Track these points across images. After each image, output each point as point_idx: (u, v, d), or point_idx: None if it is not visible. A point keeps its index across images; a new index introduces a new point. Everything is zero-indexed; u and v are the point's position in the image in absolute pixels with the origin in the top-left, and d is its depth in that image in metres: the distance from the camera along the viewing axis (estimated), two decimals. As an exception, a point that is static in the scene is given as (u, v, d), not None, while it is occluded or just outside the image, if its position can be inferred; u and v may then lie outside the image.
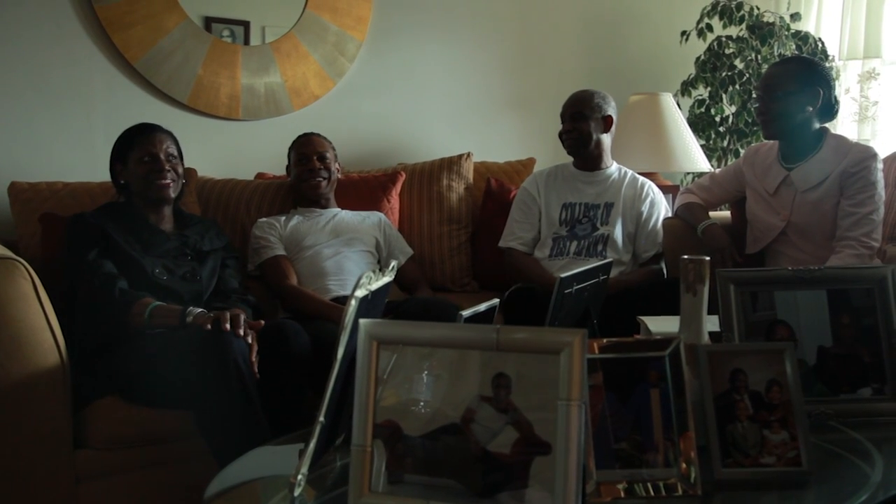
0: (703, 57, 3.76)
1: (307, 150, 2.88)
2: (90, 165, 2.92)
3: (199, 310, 2.16)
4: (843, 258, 2.46)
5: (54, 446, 2.03)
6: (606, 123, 2.92)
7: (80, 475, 2.08)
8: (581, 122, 2.88)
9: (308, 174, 2.86)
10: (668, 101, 3.55)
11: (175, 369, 2.01)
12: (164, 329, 2.15)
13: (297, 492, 1.26)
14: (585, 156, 2.94)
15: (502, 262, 2.99)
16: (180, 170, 2.45)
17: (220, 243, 2.53)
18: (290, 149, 2.95)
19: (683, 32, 3.81)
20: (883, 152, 2.68)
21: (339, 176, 2.99)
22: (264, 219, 2.87)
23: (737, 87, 3.67)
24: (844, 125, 3.63)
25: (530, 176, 3.10)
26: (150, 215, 2.41)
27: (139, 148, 2.39)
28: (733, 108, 3.72)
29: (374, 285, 1.36)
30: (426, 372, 1.17)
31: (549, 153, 3.53)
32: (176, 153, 2.45)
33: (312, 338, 2.38)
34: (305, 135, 2.95)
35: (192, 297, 2.30)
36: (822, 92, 2.53)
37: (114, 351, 2.15)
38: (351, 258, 2.78)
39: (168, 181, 2.39)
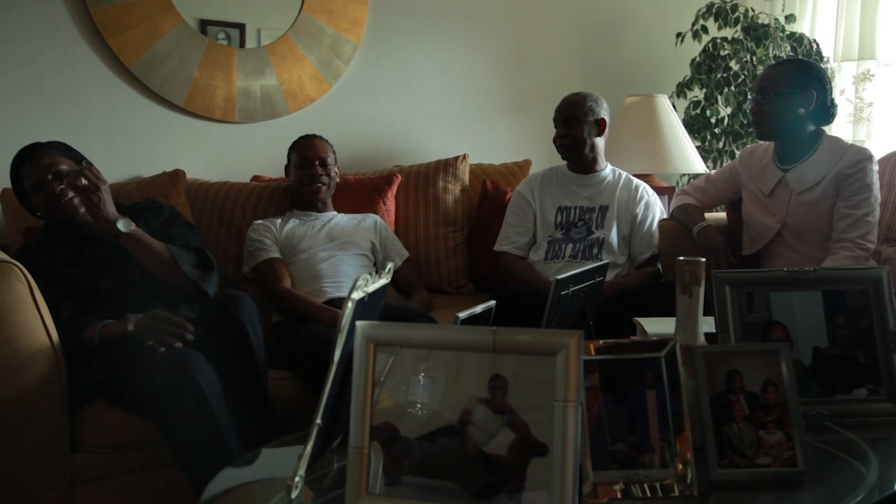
0: (698, 58, 3.77)
1: (309, 153, 2.88)
2: (86, 168, 2.92)
3: (138, 317, 2.08)
4: (839, 260, 2.46)
5: (51, 450, 2.03)
6: (600, 127, 2.92)
7: (76, 479, 2.08)
8: (574, 127, 2.88)
9: (309, 179, 2.86)
10: (664, 102, 3.56)
11: (144, 380, 1.97)
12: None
13: (294, 494, 1.26)
14: (580, 160, 2.94)
15: (498, 264, 2.99)
16: (83, 181, 2.20)
17: (158, 220, 2.42)
18: (291, 150, 2.95)
19: (679, 34, 3.82)
20: (878, 153, 2.69)
21: (337, 179, 2.99)
22: (259, 221, 2.87)
23: (732, 88, 3.68)
24: (839, 126, 3.63)
25: (525, 179, 3.10)
26: (81, 227, 2.30)
27: (32, 180, 2.26)
28: (728, 110, 3.73)
29: (371, 287, 1.36)
30: (423, 374, 1.18)
31: (544, 155, 3.54)
32: (65, 167, 2.28)
33: (306, 340, 2.39)
34: (307, 137, 2.94)
35: (149, 293, 2.23)
36: (815, 94, 2.53)
37: (96, 357, 2.13)
38: (346, 261, 2.78)
39: (69, 197, 2.25)
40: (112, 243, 2.26)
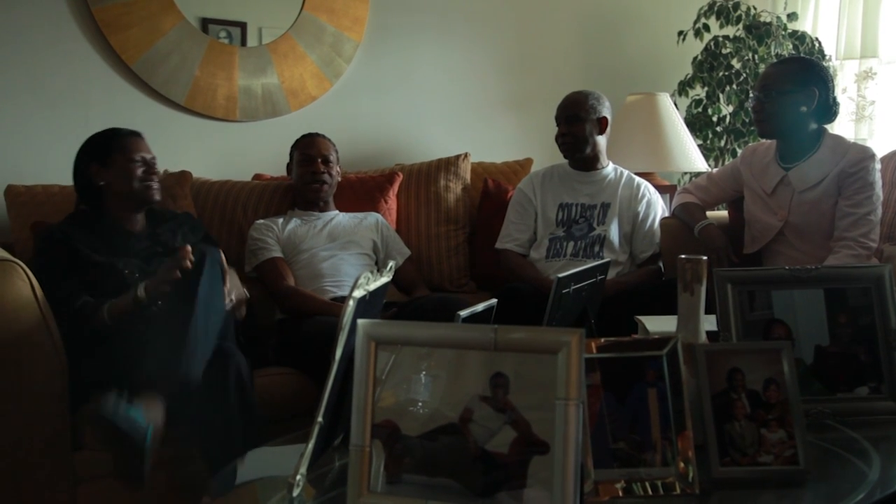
0: (700, 57, 3.76)
1: (311, 151, 2.88)
2: (87, 167, 2.92)
3: (144, 283, 2.11)
4: (841, 258, 2.46)
5: (53, 448, 2.03)
6: (602, 125, 2.92)
7: (78, 477, 2.08)
8: (576, 126, 2.88)
9: (311, 177, 2.86)
10: (666, 101, 3.56)
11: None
12: (130, 318, 2.11)
13: (295, 492, 1.27)
14: (581, 158, 2.94)
15: (499, 261, 2.99)
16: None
17: (196, 237, 2.50)
18: (293, 148, 2.95)
19: (680, 32, 3.81)
20: (880, 152, 2.69)
21: (339, 178, 2.99)
22: (261, 220, 2.87)
23: (734, 86, 3.68)
24: (841, 125, 3.63)
25: (526, 177, 3.10)
26: (122, 218, 2.38)
27: (126, 151, 2.37)
28: (730, 108, 3.73)
29: (372, 286, 1.36)
30: (424, 372, 1.18)
31: (546, 153, 3.53)
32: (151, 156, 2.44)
33: (310, 336, 2.39)
34: (310, 135, 2.94)
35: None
36: (817, 92, 2.53)
37: (108, 347, 2.13)
38: (348, 261, 2.78)
39: (157, 185, 2.41)
40: (140, 236, 2.37)
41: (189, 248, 2.07)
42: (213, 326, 2.02)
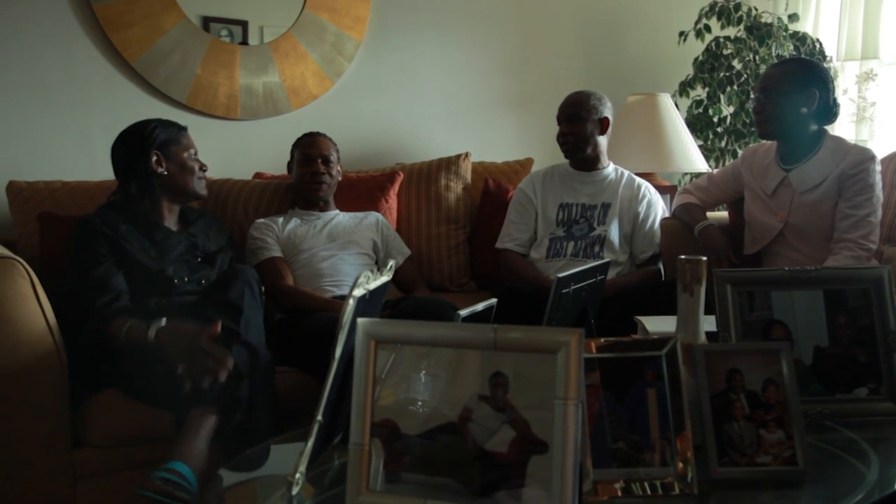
0: (701, 57, 3.76)
1: (312, 151, 2.87)
2: (88, 165, 2.93)
3: (161, 325, 2.03)
4: (841, 260, 2.46)
5: (53, 445, 2.03)
6: (603, 125, 2.92)
7: (78, 473, 2.08)
8: (577, 125, 2.89)
9: (311, 176, 2.86)
10: (666, 101, 3.56)
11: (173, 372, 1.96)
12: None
13: (294, 490, 1.27)
14: (582, 158, 2.94)
15: (499, 261, 2.99)
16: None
17: (223, 240, 2.55)
18: (294, 147, 2.95)
19: (681, 33, 3.81)
20: (880, 153, 2.69)
21: (339, 178, 2.99)
22: (261, 220, 2.87)
23: (735, 87, 3.68)
24: (842, 126, 3.63)
25: (526, 177, 3.10)
26: (162, 211, 2.42)
27: (186, 145, 2.45)
28: (731, 109, 3.73)
29: (372, 285, 1.36)
30: (424, 371, 1.18)
31: (547, 153, 3.54)
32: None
33: (310, 335, 2.39)
34: (311, 134, 2.94)
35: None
36: (817, 93, 2.53)
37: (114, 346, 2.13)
38: (347, 261, 2.78)
39: (202, 177, 2.50)
40: (180, 236, 2.41)
41: (229, 361, 1.91)
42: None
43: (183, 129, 2.49)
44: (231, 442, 1.91)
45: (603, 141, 2.95)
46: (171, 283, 2.29)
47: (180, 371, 1.90)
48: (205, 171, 2.50)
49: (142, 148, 2.39)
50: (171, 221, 2.44)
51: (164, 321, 2.04)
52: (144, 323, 2.06)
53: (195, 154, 2.48)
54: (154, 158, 2.39)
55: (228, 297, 2.05)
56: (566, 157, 2.97)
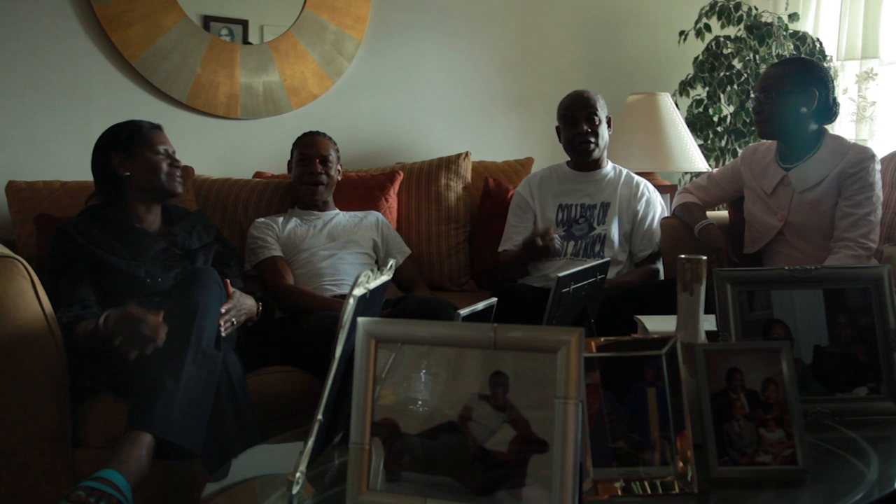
0: (701, 57, 3.77)
1: (310, 150, 2.87)
2: (88, 165, 2.91)
3: (109, 312, 1.99)
4: (841, 259, 2.46)
5: (53, 445, 2.03)
6: (608, 123, 2.93)
7: (78, 474, 2.08)
8: (598, 124, 2.86)
9: (308, 177, 2.86)
10: (667, 100, 3.56)
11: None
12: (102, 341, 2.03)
13: (294, 490, 1.27)
14: (593, 157, 2.91)
15: (500, 262, 2.99)
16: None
17: (210, 237, 2.50)
18: (294, 146, 2.95)
19: (682, 32, 3.82)
20: (880, 152, 2.69)
21: (339, 178, 2.98)
22: (262, 219, 2.87)
23: (735, 87, 3.68)
24: (842, 125, 3.63)
25: (524, 180, 3.08)
26: (139, 213, 2.39)
27: (150, 143, 2.37)
28: (731, 108, 3.73)
29: (373, 284, 1.36)
30: (424, 370, 1.18)
31: (547, 153, 3.54)
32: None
33: (310, 334, 2.39)
34: (310, 134, 2.94)
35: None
36: (817, 93, 2.53)
37: (108, 349, 2.13)
38: (347, 260, 2.78)
39: (180, 178, 2.43)
40: (158, 236, 2.37)
41: (161, 328, 1.92)
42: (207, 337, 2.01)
43: (155, 127, 2.44)
44: (211, 453, 1.89)
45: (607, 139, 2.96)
46: (142, 283, 2.25)
47: (117, 343, 1.89)
48: (177, 167, 2.40)
49: (104, 150, 2.39)
50: (150, 222, 2.41)
51: (111, 311, 2.00)
52: (96, 317, 2.05)
53: (169, 151, 2.40)
54: (115, 160, 2.37)
55: (187, 299, 2.01)
56: (582, 157, 2.91)
